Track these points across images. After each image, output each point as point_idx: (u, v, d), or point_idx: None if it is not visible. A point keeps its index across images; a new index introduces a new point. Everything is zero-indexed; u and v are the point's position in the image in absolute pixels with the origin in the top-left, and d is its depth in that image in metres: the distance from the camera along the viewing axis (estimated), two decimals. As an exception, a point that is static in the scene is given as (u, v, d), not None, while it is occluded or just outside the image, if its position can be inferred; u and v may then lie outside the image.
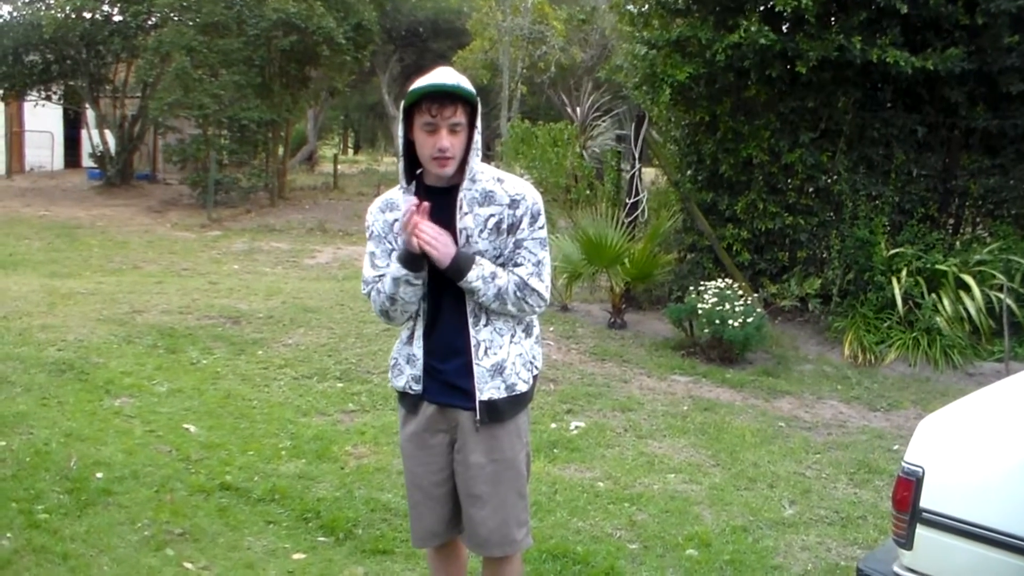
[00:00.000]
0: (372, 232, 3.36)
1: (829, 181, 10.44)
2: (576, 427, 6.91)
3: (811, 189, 10.60)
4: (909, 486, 3.24)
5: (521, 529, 3.42)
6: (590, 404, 7.55)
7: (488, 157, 29.28)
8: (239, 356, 8.44)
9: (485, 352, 3.25)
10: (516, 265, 3.21)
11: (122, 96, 25.51)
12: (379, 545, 4.79)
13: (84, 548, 4.55)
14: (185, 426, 6.49)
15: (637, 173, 11.36)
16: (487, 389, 3.24)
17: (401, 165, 3.26)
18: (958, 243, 10.26)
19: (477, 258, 3.16)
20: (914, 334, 9.26)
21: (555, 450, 6.39)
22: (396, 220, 3.27)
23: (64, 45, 23.74)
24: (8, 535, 4.60)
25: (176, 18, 22.07)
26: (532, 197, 3.24)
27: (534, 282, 3.20)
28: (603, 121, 20.48)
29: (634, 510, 5.45)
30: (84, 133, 27.24)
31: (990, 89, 9.85)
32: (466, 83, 3.12)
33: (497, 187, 3.21)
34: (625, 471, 6.09)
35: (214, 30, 21.05)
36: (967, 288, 9.28)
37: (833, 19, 9.82)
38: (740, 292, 9.25)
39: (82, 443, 5.98)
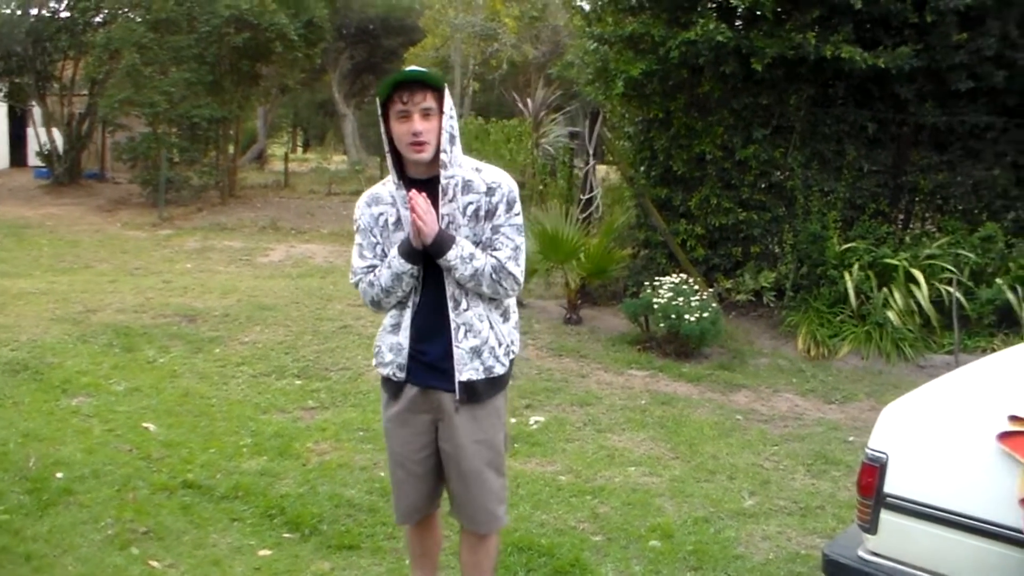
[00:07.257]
0: (359, 226, 3.53)
1: (782, 177, 10.55)
2: (536, 422, 6.94)
3: (764, 185, 10.69)
4: (873, 472, 3.32)
5: (501, 506, 3.62)
6: (549, 399, 7.58)
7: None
8: (196, 354, 8.40)
9: (465, 335, 3.41)
10: (495, 250, 3.37)
11: (70, 93, 25.17)
12: (345, 540, 4.80)
13: (47, 548, 4.52)
14: (144, 425, 6.45)
15: (591, 169, 11.40)
16: (466, 370, 3.42)
17: (389, 161, 3.40)
18: (908, 238, 10.40)
19: (457, 238, 3.33)
20: (866, 328, 9.39)
21: (516, 444, 6.40)
22: (381, 214, 3.46)
23: (10, 41, 23.39)
24: (-31, 536, 4.55)
25: (126, 14, 21.82)
26: (508, 185, 3.42)
27: (511, 265, 3.38)
28: (556, 118, 20.51)
29: (596, 503, 5.50)
30: (31, 131, 26.84)
31: (939, 86, 9.98)
32: (432, 73, 3.35)
33: (475, 176, 3.40)
34: (586, 464, 6.14)
35: (164, 27, 20.88)
36: (916, 282, 9.42)
37: (787, 16, 9.91)
38: (695, 287, 9.34)
39: (40, 443, 5.92)
